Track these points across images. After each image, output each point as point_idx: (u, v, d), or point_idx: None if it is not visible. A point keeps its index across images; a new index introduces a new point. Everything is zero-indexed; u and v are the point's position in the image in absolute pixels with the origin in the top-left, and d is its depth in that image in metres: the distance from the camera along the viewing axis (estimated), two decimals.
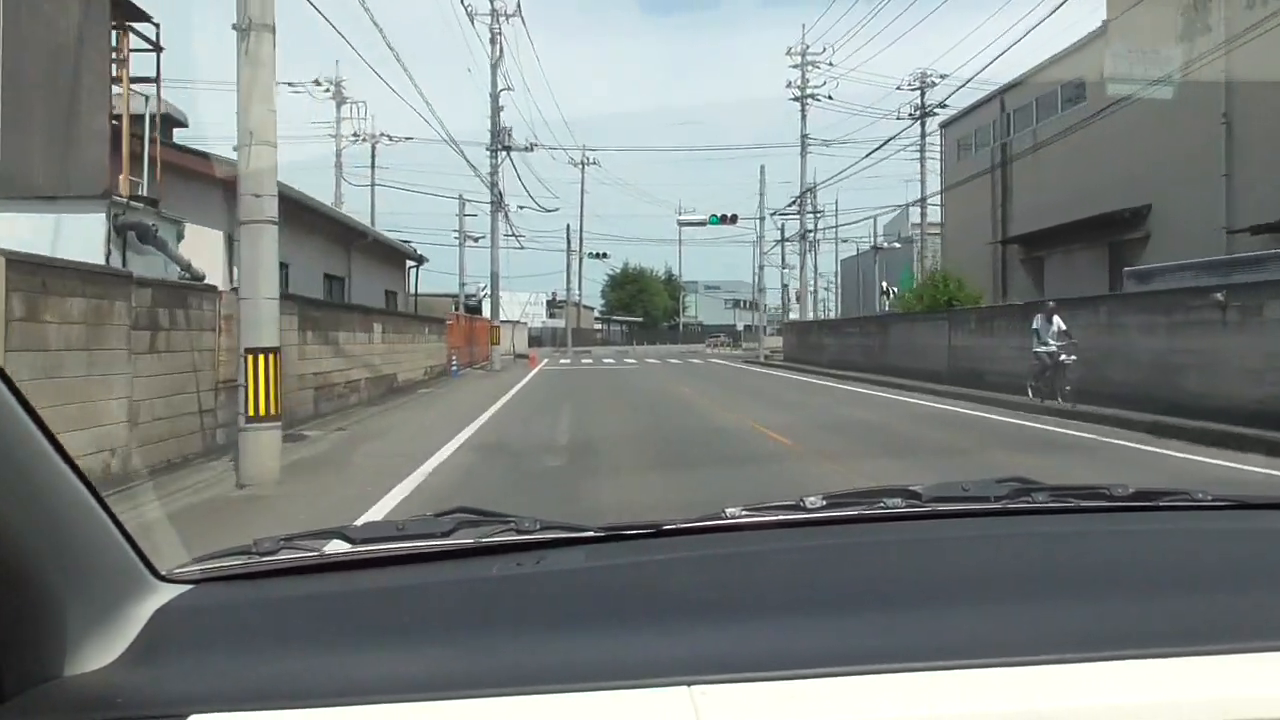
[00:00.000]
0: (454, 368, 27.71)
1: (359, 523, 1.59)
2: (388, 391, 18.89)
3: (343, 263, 20.29)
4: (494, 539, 1.24)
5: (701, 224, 37.19)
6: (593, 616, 1.05)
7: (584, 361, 40.45)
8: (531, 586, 1.14)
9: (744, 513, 1.32)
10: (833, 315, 65.83)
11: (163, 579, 1.10)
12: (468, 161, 31.77)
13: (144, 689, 0.89)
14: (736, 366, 36.13)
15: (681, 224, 36.46)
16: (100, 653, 0.94)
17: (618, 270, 79.98)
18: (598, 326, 72.33)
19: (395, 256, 27.01)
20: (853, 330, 30.29)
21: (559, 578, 1.16)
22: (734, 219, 37.08)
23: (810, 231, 39.76)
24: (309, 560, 1.21)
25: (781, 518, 1.32)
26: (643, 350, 58.75)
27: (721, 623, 1.00)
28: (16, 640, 0.87)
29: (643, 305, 79.35)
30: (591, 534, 1.27)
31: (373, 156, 50.14)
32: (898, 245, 52.46)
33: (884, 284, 58.70)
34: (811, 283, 63.41)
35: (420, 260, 28.76)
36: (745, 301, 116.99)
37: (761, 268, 40.01)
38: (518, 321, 55.74)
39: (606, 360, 41.07)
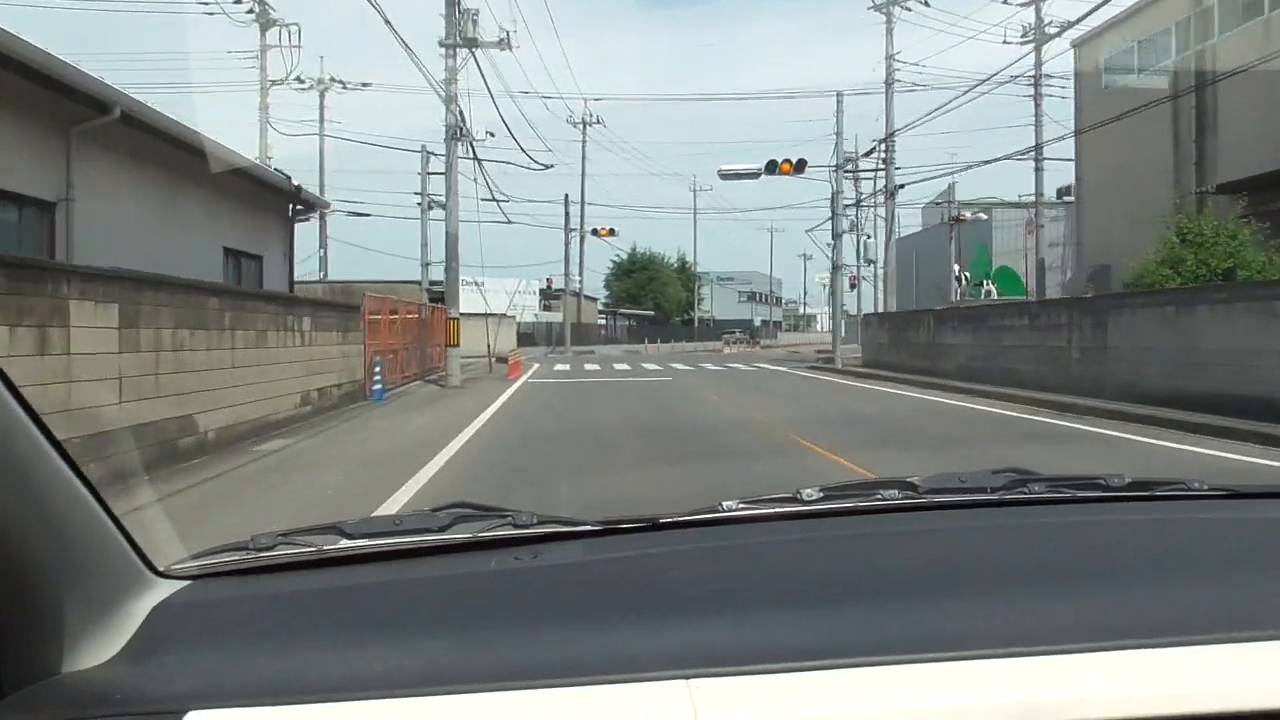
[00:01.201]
0: (377, 385, 16.92)
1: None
2: (156, 459, 8.10)
3: (50, 167, 9.17)
4: (491, 534, 1.23)
5: (753, 176, 26.37)
6: (590, 610, 1.05)
7: (588, 368, 29.56)
8: (528, 581, 1.14)
9: (740, 506, 1.31)
10: (861, 308, 54.94)
11: (161, 575, 1.09)
12: (417, 65, 21.43)
13: (142, 685, 0.90)
14: (807, 376, 25.30)
15: (725, 176, 25.35)
16: (98, 649, 0.94)
17: (624, 256, 68.99)
18: (601, 321, 61.29)
19: (249, 190, 15.03)
20: (1014, 321, 19.32)
21: (556, 572, 1.16)
22: (801, 166, 26.20)
23: (900, 187, 28.90)
24: (306, 555, 1.20)
25: (778, 510, 1.31)
26: (656, 350, 47.70)
27: (718, 616, 1.00)
28: (15, 637, 0.87)
29: (653, 297, 68.17)
30: (589, 528, 1.26)
31: (320, 104, 39.60)
32: (983, 216, 41.74)
33: (956, 267, 47.99)
34: (870, 261, 52.62)
35: (300, 196, 16.66)
36: (761, 294, 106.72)
37: (838, 236, 29.05)
38: (504, 315, 44.84)
39: (619, 366, 30.18)
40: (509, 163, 35.90)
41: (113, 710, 0.85)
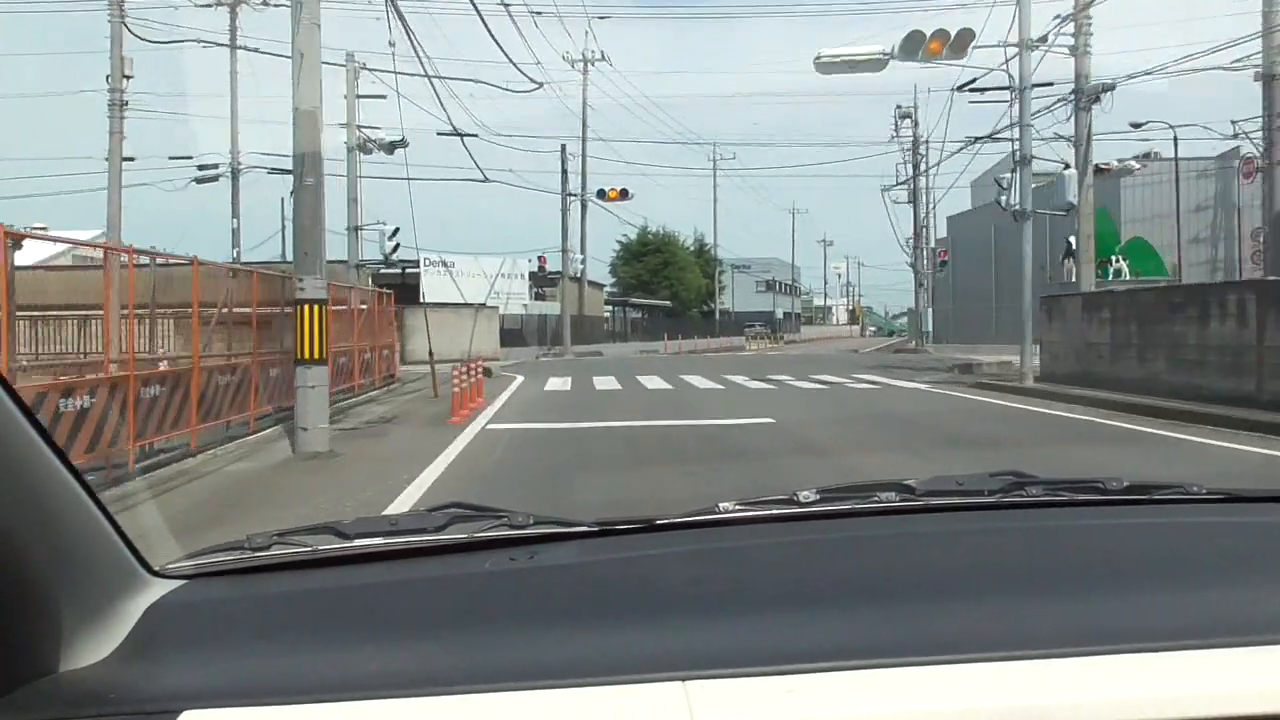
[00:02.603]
0: None
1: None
2: None
3: None
4: (487, 534, 1.24)
5: (876, 65, 15.44)
6: (586, 611, 1.06)
7: (603, 386, 18.39)
8: (524, 581, 1.15)
9: (737, 507, 1.32)
10: (924, 296, 43.89)
11: (155, 574, 1.10)
12: None
13: (137, 685, 0.90)
14: (1004, 405, 14.28)
15: (824, 66, 13.99)
16: (93, 648, 0.94)
17: (631, 237, 57.57)
18: (607, 312, 50.10)
19: None
20: None
21: (552, 573, 1.17)
22: (963, 40, 15.19)
23: (1107, 89, 17.72)
24: (301, 555, 1.20)
25: (774, 512, 1.31)
26: (678, 350, 36.57)
27: (715, 617, 1.00)
28: (10, 636, 0.87)
29: (669, 284, 56.85)
30: (585, 529, 1.27)
31: (232, 21, 28.76)
32: (1134, 165, 30.68)
33: (1072, 240, 37.00)
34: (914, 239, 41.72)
35: None
36: (782, 284, 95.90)
37: (1025, 161, 17.58)
38: (482, 305, 33.85)
39: (651, 383, 18.96)
40: (477, 80, 24.69)
41: (108, 710, 0.85)
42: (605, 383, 19.07)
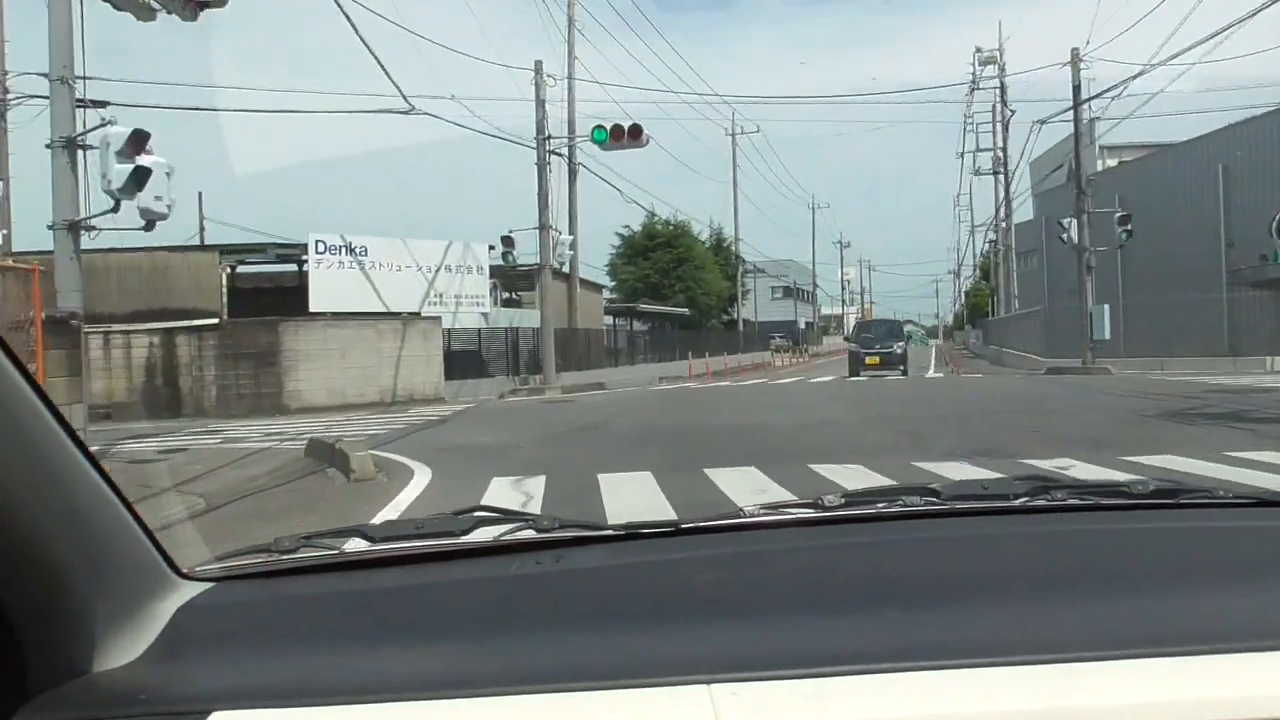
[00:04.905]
0: None
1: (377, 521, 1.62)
2: None
3: None
4: (512, 537, 1.25)
5: None
6: (611, 615, 1.07)
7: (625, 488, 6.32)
8: (550, 585, 1.16)
9: (762, 511, 1.33)
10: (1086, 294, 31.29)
11: (184, 577, 1.11)
12: None
13: (167, 685, 0.92)
14: None
15: None
16: (123, 650, 0.95)
17: (635, 231, 45.19)
18: (608, 322, 37.75)
19: None
20: None
21: (577, 576, 1.18)
22: None
23: None
24: (329, 558, 1.22)
25: (800, 515, 1.32)
26: (705, 369, 24.06)
27: (740, 621, 1.01)
28: (43, 637, 0.89)
29: (684, 287, 44.37)
30: (610, 533, 1.28)
31: None
32: None
33: None
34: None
35: None
36: (805, 291, 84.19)
37: None
38: (416, 315, 21.90)
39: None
40: None
41: (138, 710, 0.86)
42: (636, 486, 6.78)
